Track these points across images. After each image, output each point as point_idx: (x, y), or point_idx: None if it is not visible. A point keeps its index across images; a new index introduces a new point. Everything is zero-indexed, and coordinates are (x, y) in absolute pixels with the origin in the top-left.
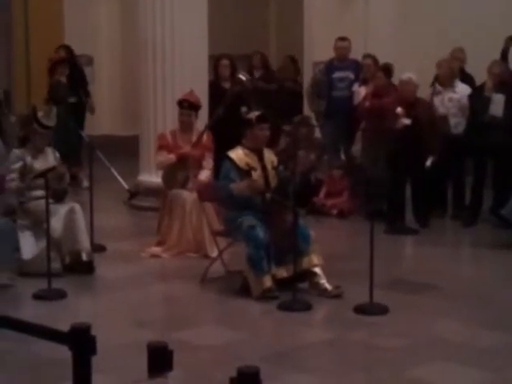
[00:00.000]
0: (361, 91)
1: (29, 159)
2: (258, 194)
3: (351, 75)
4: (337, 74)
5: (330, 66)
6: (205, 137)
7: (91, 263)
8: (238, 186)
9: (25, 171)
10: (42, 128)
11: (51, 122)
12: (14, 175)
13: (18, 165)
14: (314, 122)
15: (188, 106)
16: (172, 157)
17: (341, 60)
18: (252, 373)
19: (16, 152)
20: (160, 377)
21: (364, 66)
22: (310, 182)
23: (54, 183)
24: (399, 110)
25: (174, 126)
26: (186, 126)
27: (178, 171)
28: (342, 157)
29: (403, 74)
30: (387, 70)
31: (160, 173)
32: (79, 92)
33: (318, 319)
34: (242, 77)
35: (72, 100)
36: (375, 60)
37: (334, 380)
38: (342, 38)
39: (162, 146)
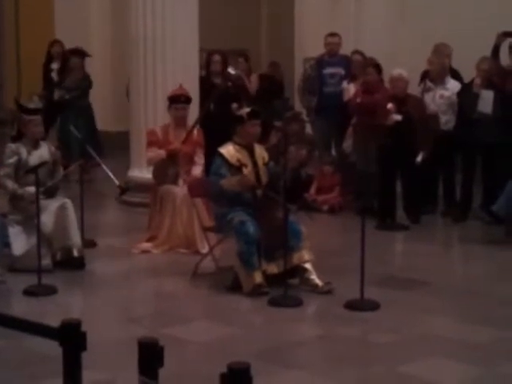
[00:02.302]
0: (350, 88)
1: (24, 154)
2: (248, 190)
3: (342, 71)
4: (327, 70)
5: (321, 62)
6: (195, 133)
7: (82, 259)
8: (229, 182)
9: (19, 166)
10: (29, 113)
11: (36, 104)
12: (8, 170)
13: (12, 160)
14: (305, 117)
15: (185, 100)
16: (162, 152)
17: (331, 56)
18: (242, 369)
19: (11, 146)
20: (151, 375)
21: (353, 62)
22: (301, 178)
23: (46, 179)
24: (390, 105)
25: (165, 121)
26: (181, 121)
27: (169, 167)
28: (333, 153)
29: (394, 70)
30: (377, 65)
31: (151, 168)
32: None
33: (308, 315)
34: (232, 71)
35: (66, 97)
36: (364, 56)
37: (324, 376)
38: (332, 34)
39: (152, 142)
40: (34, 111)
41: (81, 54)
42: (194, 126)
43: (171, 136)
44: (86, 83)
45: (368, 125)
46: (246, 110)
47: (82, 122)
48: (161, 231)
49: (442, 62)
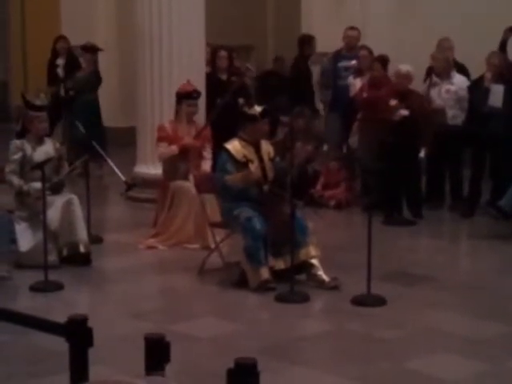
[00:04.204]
0: (356, 83)
1: (29, 150)
2: (253, 186)
3: (357, 64)
4: (343, 63)
5: (338, 56)
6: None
7: (88, 255)
8: (234, 178)
9: (24, 162)
10: (35, 109)
11: (42, 101)
12: (13, 166)
13: (17, 156)
14: (322, 112)
15: (197, 95)
16: (174, 148)
17: (349, 49)
18: (249, 364)
19: (16, 142)
20: (158, 370)
21: (360, 57)
22: (307, 174)
23: (52, 175)
24: (393, 102)
25: (171, 116)
26: (192, 116)
27: (180, 163)
28: (344, 148)
29: (401, 66)
30: (384, 61)
31: (158, 164)
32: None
33: (315, 311)
34: (250, 67)
35: (71, 93)
36: (370, 51)
37: (330, 371)
38: (352, 28)
39: (162, 138)
40: (40, 108)
41: (92, 49)
42: (207, 124)
43: (180, 131)
44: (93, 77)
45: (373, 120)
46: (258, 109)
47: (89, 117)
48: (171, 226)
49: (445, 56)
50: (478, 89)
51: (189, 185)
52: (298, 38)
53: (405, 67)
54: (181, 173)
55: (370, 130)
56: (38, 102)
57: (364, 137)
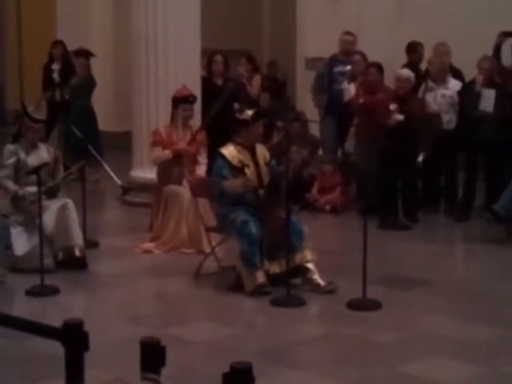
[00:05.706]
0: (350, 88)
1: (22, 155)
2: (251, 192)
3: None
4: (339, 68)
5: (333, 60)
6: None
7: (84, 259)
8: (232, 184)
9: (18, 166)
10: (33, 122)
11: (42, 115)
12: (8, 171)
13: (11, 160)
14: (317, 117)
15: (193, 100)
16: (168, 153)
17: (345, 54)
18: (245, 368)
19: (10, 147)
20: (153, 373)
21: (353, 62)
22: (303, 178)
23: (47, 179)
24: (393, 106)
25: (167, 121)
26: (187, 121)
27: (174, 167)
28: (339, 152)
29: (401, 70)
30: (380, 66)
31: (154, 169)
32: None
33: (311, 315)
34: (243, 71)
35: (67, 97)
36: (364, 56)
37: (327, 375)
38: (347, 33)
39: (157, 142)
40: (38, 120)
41: (86, 53)
42: (200, 129)
43: (174, 136)
44: (88, 82)
45: (370, 125)
46: (249, 112)
47: (84, 122)
48: (165, 231)
49: (441, 61)
50: (469, 93)
51: (182, 189)
52: (406, 46)
53: (405, 72)
54: (174, 177)
55: (367, 134)
56: (36, 116)
57: (361, 142)
